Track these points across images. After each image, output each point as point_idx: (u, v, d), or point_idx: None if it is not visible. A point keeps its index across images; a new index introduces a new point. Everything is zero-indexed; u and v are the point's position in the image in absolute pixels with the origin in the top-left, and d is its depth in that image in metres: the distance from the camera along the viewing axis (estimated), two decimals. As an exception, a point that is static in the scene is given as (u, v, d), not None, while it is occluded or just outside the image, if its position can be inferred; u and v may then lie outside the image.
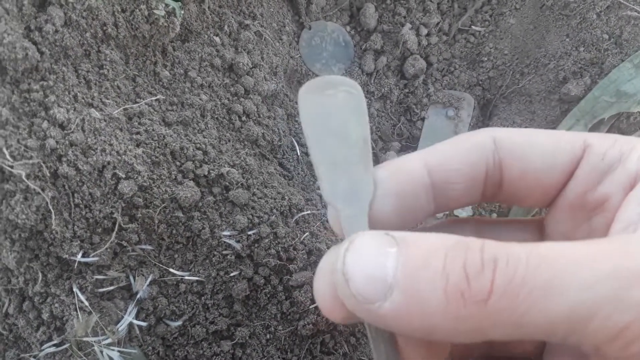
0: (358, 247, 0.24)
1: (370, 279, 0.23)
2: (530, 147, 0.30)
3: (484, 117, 0.86)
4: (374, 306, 0.23)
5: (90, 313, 0.53)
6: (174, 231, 0.58)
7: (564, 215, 0.32)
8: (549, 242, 0.23)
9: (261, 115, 0.72)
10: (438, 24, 0.79)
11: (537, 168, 0.30)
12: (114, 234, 0.53)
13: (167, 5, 0.60)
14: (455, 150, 0.31)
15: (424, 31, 0.78)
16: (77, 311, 0.52)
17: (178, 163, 0.60)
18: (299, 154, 0.76)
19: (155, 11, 0.59)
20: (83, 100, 0.54)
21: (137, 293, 0.56)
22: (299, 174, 0.76)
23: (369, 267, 0.23)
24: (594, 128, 0.76)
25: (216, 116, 0.67)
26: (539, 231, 0.34)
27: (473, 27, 0.84)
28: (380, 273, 0.23)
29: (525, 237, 0.35)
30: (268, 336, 0.63)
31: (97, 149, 0.52)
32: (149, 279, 0.57)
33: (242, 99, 0.69)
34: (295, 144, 0.77)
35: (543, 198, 0.32)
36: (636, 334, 0.21)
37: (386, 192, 0.29)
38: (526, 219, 0.37)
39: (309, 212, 0.67)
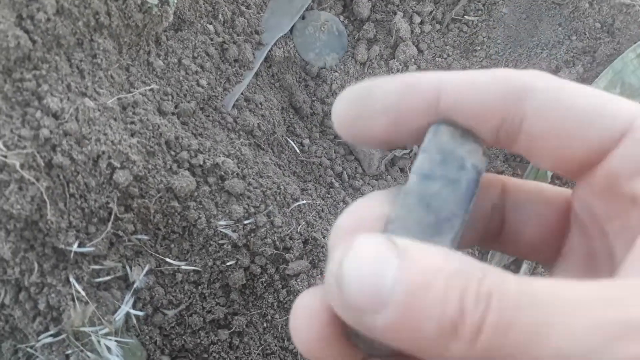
0: (357, 250, 0.22)
1: (366, 287, 0.21)
2: (568, 110, 0.24)
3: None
4: (366, 316, 0.21)
5: (87, 303, 0.53)
6: (170, 221, 0.58)
7: (594, 198, 0.27)
8: (547, 280, 0.21)
9: (257, 106, 0.72)
10: (431, 12, 0.79)
11: (565, 133, 0.25)
12: (109, 224, 0.53)
13: (160, -7, 0.60)
14: (475, 88, 0.26)
15: (417, 19, 0.78)
16: (73, 301, 0.52)
17: (173, 153, 0.59)
18: (293, 144, 0.76)
19: (148, 0, 0.58)
20: (76, 90, 0.54)
21: (133, 283, 0.56)
22: (294, 164, 0.76)
23: (366, 274, 0.21)
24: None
25: (211, 106, 0.67)
26: (567, 207, 0.30)
27: (466, 16, 0.84)
28: (377, 283, 0.21)
29: (548, 214, 0.30)
30: (265, 324, 0.63)
31: (91, 138, 0.52)
32: (146, 269, 0.57)
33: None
34: (290, 134, 0.77)
35: (566, 168, 0.26)
36: None
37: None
38: (555, 189, 0.31)
39: (304, 202, 0.67)
